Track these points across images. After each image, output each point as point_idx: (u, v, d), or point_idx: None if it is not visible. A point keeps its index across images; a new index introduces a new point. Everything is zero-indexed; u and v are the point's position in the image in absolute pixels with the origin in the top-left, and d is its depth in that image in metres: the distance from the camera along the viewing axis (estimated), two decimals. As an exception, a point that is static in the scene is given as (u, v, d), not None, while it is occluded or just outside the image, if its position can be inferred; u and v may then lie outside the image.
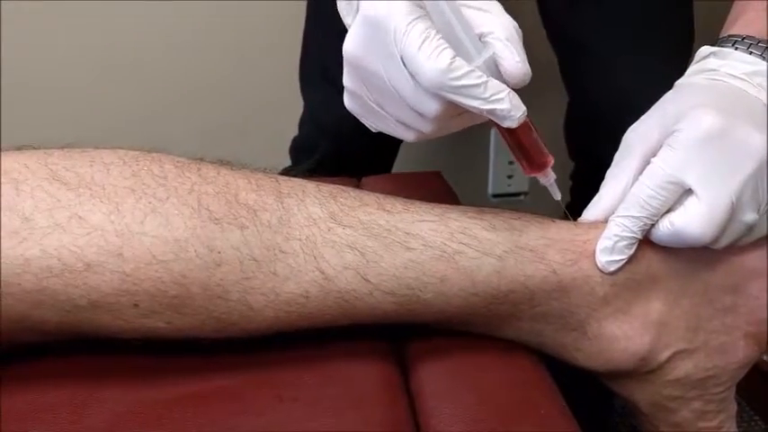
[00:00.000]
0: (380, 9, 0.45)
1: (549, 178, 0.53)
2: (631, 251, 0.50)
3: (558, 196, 0.54)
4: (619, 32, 0.80)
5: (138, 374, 0.48)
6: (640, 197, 0.49)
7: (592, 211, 0.53)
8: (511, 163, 1.42)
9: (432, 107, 0.46)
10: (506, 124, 0.46)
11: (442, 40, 0.45)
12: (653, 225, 0.50)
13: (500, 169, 1.43)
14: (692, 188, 0.48)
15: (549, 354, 0.54)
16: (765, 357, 1.16)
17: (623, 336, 0.52)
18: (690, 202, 0.48)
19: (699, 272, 0.52)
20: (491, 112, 0.45)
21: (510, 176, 1.44)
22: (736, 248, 0.51)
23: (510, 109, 0.45)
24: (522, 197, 1.45)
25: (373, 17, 0.46)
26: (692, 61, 0.80)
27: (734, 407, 0.57)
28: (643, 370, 0.53)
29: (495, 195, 1.45)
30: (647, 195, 0.49)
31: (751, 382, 1.18)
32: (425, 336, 0.52)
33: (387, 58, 0.46)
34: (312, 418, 0.45)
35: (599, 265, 0.50)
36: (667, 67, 0.79)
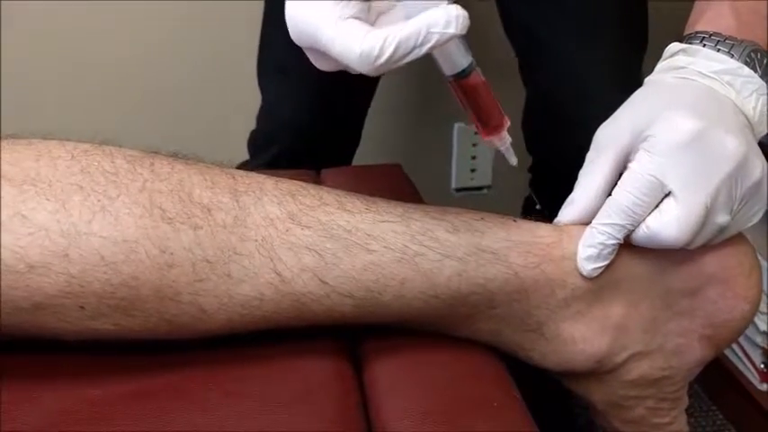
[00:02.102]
0: (291, 17, 0.45)
1: (504, 141, 0.52)
2: (613, 256, 0.50)
3: (513, 161, 0.53)
4: (575, 27, 0.80)
5: (79, 372, 0.46)
6: (624, 204, 0.49)
7: (567, 213, 0.52)
8: (474, 157, 1.42)
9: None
10: (451, 34, 0.43)
11: (348, 24, 0.43)
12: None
13: (463, 163, 1.43)
14: (672, 192, 0.48)
15: (505, 353, 0.54)
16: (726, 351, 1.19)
17: (581, 338, 0.52)
18: (665, 205, 0.48)
19: (660, 276, 0.52)
20: (434, 47, 0.43)
21: (473, 170, 1.43)
22: (696, 254, 0.52)
23: (441, 30, 0.42)
24: (485, 191, 1.45)
25: (291, 24, 0.45)
26: (644, 55, 0.81)
27: (686, 401, 0.58)
28: (599, 371, 0.53)
29: (458, 189, 1.45)
30: (632, 203, 0.48)
31: (711, 375, 1.20)
32: (380, 333, 0.52)
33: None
34: (261, 413, 0.45)
35: (584, 272, 0.50)
36: (623, 61, 0.80)
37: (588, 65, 0.79)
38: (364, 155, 0.99)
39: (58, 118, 1.18)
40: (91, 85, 1.22)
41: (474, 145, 1.40)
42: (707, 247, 0.51)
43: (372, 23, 0.45)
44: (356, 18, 0.44)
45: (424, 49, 0.43)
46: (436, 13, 0.42)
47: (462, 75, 0.47)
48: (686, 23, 0.56)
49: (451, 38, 0.43)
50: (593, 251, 0.50)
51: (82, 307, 0.43)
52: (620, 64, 0.79)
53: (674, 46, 0.55)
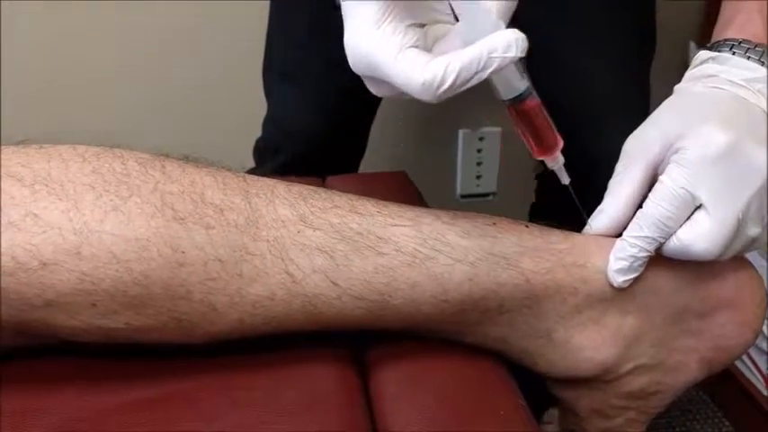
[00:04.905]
0: (351, 47, 0.45)
1: (557, 161, 0.52)
2: (643, 268, 0.50)
3: (565, 180, 0.53)
4: (582, 31, 0.80)
5: (89, 380, 0.47)
6: (656, 218, 0.49)
7: (597, 222, 0.52)
8: (479, 164, 1.42)
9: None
10: (511, 57, 0.43)
11: (409, 54, 0.44)
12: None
13: (468, 170, 1.43)
14: (704, 205, 0.48)
15: (510, 360, 0.54)
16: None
17: (591, 345, 0.52)
18: (697, 217, 0.48)
19: (677, 293, 0.52)
20: (495, 71, 0.43)
21: (478, 177, 1.43)
22: (715, 276, 0.52)
23: (502, 54, 0.43)
24: (490, 197, 1.45)
25: (351, 54, 0.45)
26: (652, 58, 0.81)
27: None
28: (600, 379, 0.54)
29: (464, 196, 1.45)
30: (664, 216, 0.49)
31: (717, 381, 1.20)
32: (385, 341, 0.52)
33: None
34: (267, 421, 0.45)
35: (614, 284, 0.50)
36: (631, 66, 0.79)
37: (595, 70, 0.79)
38: (370, 162, 0.99)
39: (61, 124, 1.17)
40: (94, 90, 1.22)
41: (479, 151, 1.40)
42: (725, 271, 0.52)
43: (429, 49, 0.46)
44: (415, 47, 0.44)
45: (485, 74, 0.43)
46: (496, 38, 0.43)
47: (519, 98, 0.48)
48: (698, 25, 0.56)
49: (512, 61, 0.43)
50: (624, 264, 0.50)
51: (94, 304, 0.43)
52: (627, 69, 0.79)
53: (703, 53, 0.55)
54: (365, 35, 0.44)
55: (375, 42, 0.44)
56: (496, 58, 0.43)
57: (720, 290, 0.53)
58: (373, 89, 0.48)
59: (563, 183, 0.53)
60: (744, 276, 0.53)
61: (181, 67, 1.23)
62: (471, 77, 0.43)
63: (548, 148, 0.50)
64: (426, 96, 0.43)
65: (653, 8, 0.82)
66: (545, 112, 0.49)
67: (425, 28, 0.47)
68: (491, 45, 0.43)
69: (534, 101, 0.48)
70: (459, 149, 1.41)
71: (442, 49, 0.46)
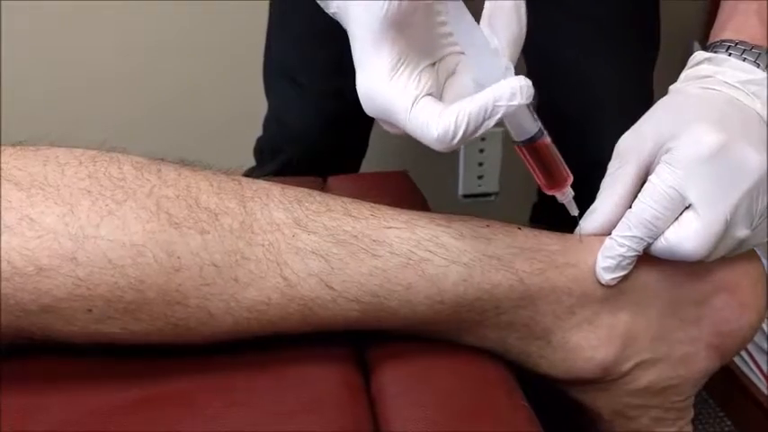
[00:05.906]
0: (365, 94, 0.46)
1: (567, 196, 0.52)
2: (632, 266, 0.50)
3: (575, 212, 0.53)
4: (584, 35, 0.80)
5: (88, 380, 0.47)
6: (645, 218, 0.49)
7: (589, 222, 0.53)
8: (481, 164, 1.42)
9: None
10: (516, 105, 0.44)
11: (423, 106, 0.44)
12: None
13: (470, 170, 1.42)
14: (693, 205, 0.48)
15: (512, 361, 0.54)
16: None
17: (588, 346, 0.52)
18: (685, 218, 0.48)
19: (668, 284, 0.52)
20: (502, 118, 0.44)
21: (480, 177, 1.43)
22: (704, 263, 0.51)
23: (507, 103, 0.44)
24: (492, 197, 1.45)
25: (366, 100, 0.46)
26: (655, 59, 0.81)
27: (692, 412, 0.58)
28: (606, 379, 0.53)
29: (466, 196, 1.45)
30: (652, 216, 0.49)
31: (718, 381, 1.20)
32: (386, 340, 0.52)
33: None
34: (268, 423, 0.45)
35: (602, 281, 0.51)
36: (634, 68, 0.79)
37: (597, 71, 0.79)
38: (371, 161, 0.99)
39: (61, 125, 1.17)
40: (94, 91, 1.23)
41: (481, 151, 1.40)
42: None
43: (442, 85, 0.47)
44: (429, 94, 0.45)
45: (493, 122, 0.44)
46: (501, 87, 0.43)
47: (531, 141, 0.48)
48: (702, 24, 0.56)
49: (517, 108, 0.44)
50: (611, 262, 0.50)
51: (89, 310, 0.43)
52: (630, 69, 0.79)
53: (699, 54, 0.54)
54: (379, 86, 0.45)
55: (390, 94, 0.45)
56: (502, 106, 0.43)
57: (711, 274, 0.52)
58: (386, 128, 0.48)
59: (572, 214, 0.53)
60: (736, 257, 0.53)
61: (181, 67, 1.23)
62: (480, 125, 0.44)
63: (557, 184, 0.51)
64: (441, 148, 0.44)
65: (656, 8, 0.81)
66: (555, 150, 0.49)
67: (436, 65, 0.47)
68: (496, 94, 0.43)
69: (545, 140, 0.48)
70: (461, 149, 1.41)
71: (453, 90, 0.47)
